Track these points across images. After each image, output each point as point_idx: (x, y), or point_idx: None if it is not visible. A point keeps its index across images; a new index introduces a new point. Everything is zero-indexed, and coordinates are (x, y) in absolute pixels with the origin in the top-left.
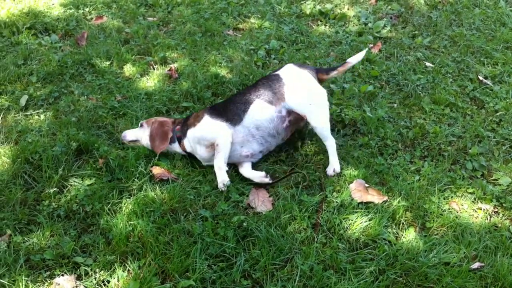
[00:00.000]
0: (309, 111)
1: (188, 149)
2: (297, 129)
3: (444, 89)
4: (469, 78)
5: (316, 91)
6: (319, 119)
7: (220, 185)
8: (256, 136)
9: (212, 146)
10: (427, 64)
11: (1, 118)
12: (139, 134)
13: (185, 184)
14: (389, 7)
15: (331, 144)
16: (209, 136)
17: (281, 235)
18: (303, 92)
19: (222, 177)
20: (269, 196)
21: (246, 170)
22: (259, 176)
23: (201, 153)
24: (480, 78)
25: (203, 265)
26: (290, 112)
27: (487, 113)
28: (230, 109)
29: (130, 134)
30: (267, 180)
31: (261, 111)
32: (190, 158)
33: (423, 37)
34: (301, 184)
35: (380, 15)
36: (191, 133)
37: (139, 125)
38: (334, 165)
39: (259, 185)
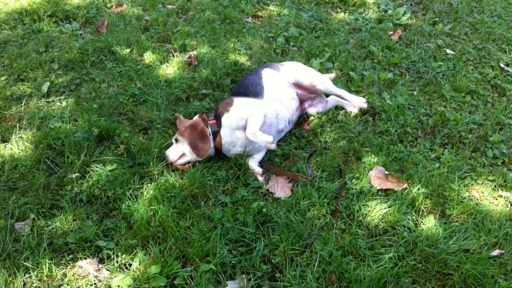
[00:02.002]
0: (314, 78)
1: (226, 141)
2: (306, 113)
3: (465, 76)
4: (490, 65)
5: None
6: (324, 81)
7: (268, 145)
8: (282, 99)
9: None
10: (448, 51)
11: (24, 104)
12: (182, 149)
13: (205, 170)
14: None
15: (343, 91)
16: (244, 113)
17: (301, 221)
18: (302, 68)
19: (264, 138)
20: (288, 182)
21: (253, 161)
22: (257, 172)
23: (241, 136)
24: (502, 65)
25: (223, 249)
26: (296, 85)
27: (508, 100)
28: (247, 84)
29: (173, 153)
30: (261, 179)
31: (273, 76)
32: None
33: (444, 24)
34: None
35: (400, 1)
36: (227, 118)
37: (174, 140)
38: (359, 99)
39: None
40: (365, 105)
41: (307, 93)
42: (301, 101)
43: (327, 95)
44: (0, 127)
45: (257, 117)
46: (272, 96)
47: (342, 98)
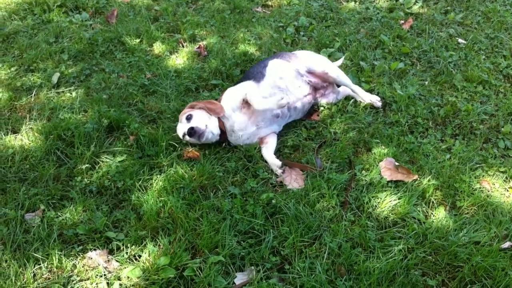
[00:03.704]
0: (326, 66)
1: (226, 123)
2: (318, 103)
3: (476, 66)
4: (503, 55)
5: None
6: (337, 70)
7: (280, 103)
8: (281, 86)
9: (246, 106)
10: (460, 40)
11: (34, 95)
12: (203, 120)
13: (214, 162)
14: None
15: (357, 87)
16: (237, 94)
17: (310, 213)
18: (315, 56)
19: (272, 100)
20: (302, 174)
21: (268, 152)
22: (275, 164)
23: (239, 119)
24: None
25: (232, 241)
26: (309, 73)
27: None
28: (251, 72)
29: (196, 122)
30: (279, 171)
31: (280, 65)
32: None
33: (456, 13)
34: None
35: None
36: (223, 102)
37: (187, 118)
38: (373, 97)
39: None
40: (379, 104)
41: (321, 81)
42: (315, 89)
43: (339, 86)
44: (11, 118)
45: (253, 92)
46: (271, 83)
47: (353, 92)
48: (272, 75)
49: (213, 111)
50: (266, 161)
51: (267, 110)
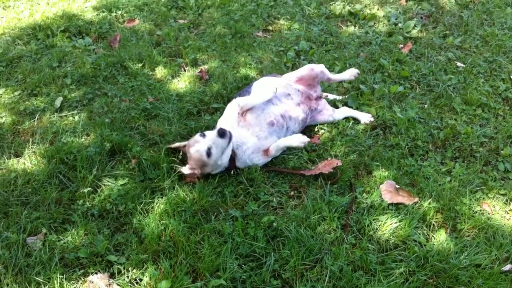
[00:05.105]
0: (310, 64)
1: (239, 154)
2: (316, 123)
3: (475, 89)
4: (501, 78)
5: None
6: (321, 66)
7: (271, 92)
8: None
9: (242, 118)
10: (458, 64)
11: (37, 119)
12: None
13: (216, 185)
14: (419, 7)
15: (336, 76)
16: (231, 111)
17: (311, 236)
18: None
19: (265, 92)
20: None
21: (281, 141)
22: (297, 138)
23: (240, 133)
24: None
25: (233, 264)
26: (298, 81)
27: None
28: (238, 94)
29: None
30: (306, 139)
31: (266, 80)
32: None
33: (454, 37)
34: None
35: (410, 15)
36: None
37: (201, 135)
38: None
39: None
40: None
41: (308, 88)
42: (308, 99)
43: (337, 107)
44: (14, 141)
45: (243, 98)
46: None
47: (335, 80)
48: (256, 89)
49: None
50: (288, 148)
51: (262, 114)
